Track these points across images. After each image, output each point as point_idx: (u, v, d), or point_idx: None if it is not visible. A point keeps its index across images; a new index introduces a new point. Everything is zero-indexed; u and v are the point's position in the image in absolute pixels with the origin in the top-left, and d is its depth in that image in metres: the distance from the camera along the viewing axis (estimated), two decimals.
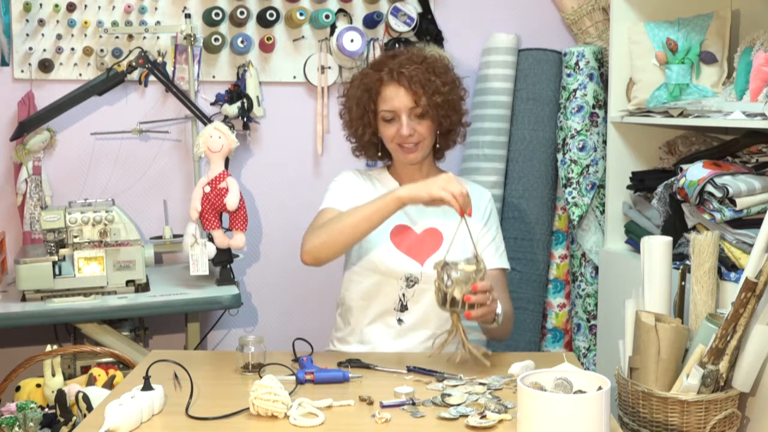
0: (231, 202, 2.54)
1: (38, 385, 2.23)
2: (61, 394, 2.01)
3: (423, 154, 2.20)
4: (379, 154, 2.27)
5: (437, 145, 2.25)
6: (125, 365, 2.34)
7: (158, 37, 2.89)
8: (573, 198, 2.94)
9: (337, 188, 2.26)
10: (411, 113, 2.14)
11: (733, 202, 2.12)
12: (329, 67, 3.00)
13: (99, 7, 2.84)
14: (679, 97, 2.52)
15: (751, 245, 1.92)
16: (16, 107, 2.82)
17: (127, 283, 2.53)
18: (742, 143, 2.35)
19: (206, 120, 2.79)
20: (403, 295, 2.17)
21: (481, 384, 1.81)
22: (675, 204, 2.34)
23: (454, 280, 1.83)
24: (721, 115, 2.22)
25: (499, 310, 1.96)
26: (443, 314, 2.10)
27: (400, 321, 2.18)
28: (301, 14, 2.91)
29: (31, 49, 2.82)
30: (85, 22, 2.83)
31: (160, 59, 2.85)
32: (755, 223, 2.08)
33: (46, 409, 2.07)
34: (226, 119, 2.84)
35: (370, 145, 2.26)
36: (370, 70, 2.21)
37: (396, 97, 2.14)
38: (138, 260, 2.53)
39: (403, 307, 2.18)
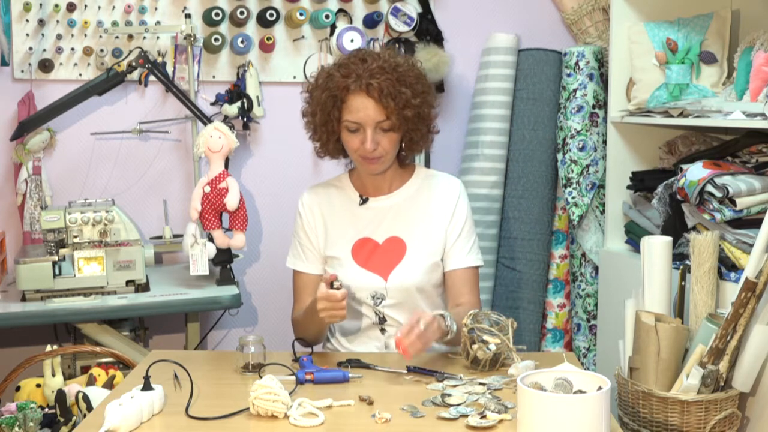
0: (231, 202, 2.54)
1: (38, 385, 2.22)
2: (61, 394, 2.01)
3: (386, 165, 2.11)
4: (342, 156, 2.19)
5: (403, 153, 2.16)
6: (125, 365, 2.34)
7: (158, 37, 2.89)
8: (573, 198, 2.93)
9: (299, 238, 2.22)
10: (377, 126, 2.02)
11: (733, 202, 2.12)
12: None
13: (99, 7, 2.84)
14: (679, 97, 2.52)
15: (751, 245, 1.92)
16: (16, 107, 2.82)
17: (127, 283, 2.53)
18: (742, 143, 2.35)
19: (206, 120, 2.79)
20: (376, 312, 2.12)
21: (481, 384, 1.81)
22: (675, 204, 2.34)
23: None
24: (721, 115, 2.22)
25: (448, 324, 1.92)
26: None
27: (383, 330, 2.13)
28: (301, 14, 2.90)
29: (31, 49, 2.82)
30: (85, 22, 2.83)
31: (160, 59, 2.85)
32: (755, 223, 2.08)
33: (46, 409, 2.06)
34: (226, 119, 2.84)
35: (335, 150, 2.15)
36: (336, 72, 2.04)
37: (363, 110, 2.01)
38: (138, 260, 2.53)
39: (382, 320, 2.12)
